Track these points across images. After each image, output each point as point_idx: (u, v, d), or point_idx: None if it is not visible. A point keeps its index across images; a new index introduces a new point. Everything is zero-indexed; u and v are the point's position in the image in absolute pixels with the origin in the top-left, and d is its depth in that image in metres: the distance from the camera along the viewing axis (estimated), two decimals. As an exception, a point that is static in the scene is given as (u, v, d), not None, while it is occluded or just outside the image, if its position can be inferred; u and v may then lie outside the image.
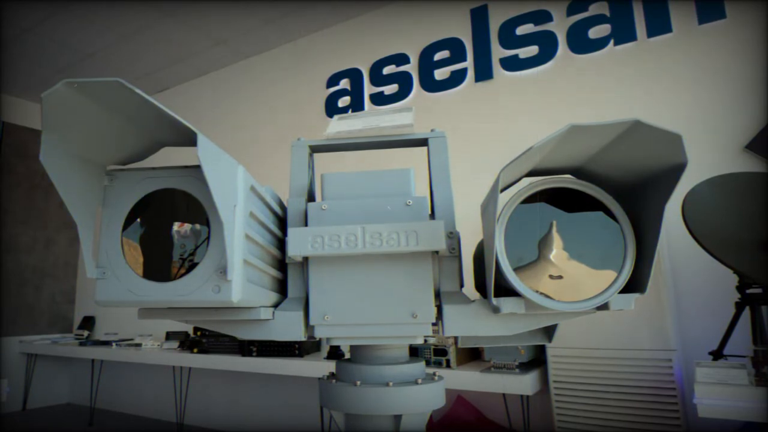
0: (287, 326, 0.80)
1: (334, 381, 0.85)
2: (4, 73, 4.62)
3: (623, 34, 2.85)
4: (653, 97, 2.73)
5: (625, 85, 2.81)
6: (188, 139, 0.64)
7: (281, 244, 0.88)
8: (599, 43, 2.92)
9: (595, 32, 2.95)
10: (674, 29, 2.72)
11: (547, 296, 0.73)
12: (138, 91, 0.60)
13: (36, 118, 5.23)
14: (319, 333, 0.81)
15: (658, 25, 2.75)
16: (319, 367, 2.87)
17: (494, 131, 3.19)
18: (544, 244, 0.75)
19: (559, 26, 3.06)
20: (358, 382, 0.81)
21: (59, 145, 0.66)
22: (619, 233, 0.75)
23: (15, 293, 4.87)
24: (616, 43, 2.87)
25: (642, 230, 0.74)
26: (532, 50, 3.13)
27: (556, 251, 0.75)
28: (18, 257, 4.93)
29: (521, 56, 3.16)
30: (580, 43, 2.97)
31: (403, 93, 3.58)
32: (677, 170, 0.68)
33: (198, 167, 0.67)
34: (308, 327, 0.82)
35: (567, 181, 0.78)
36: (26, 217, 5.04)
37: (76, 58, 4.39)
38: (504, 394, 2.48)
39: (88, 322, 5.01)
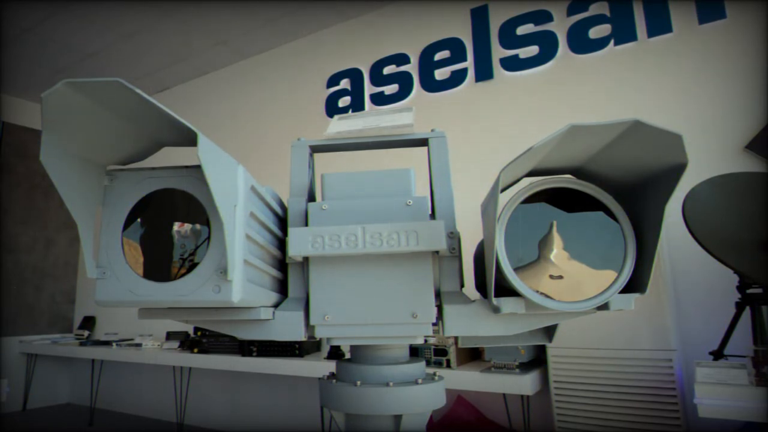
0: (288, 326, 0.80)
1: (334, 381, 0.85)
2: (4, 73, 4.62)
3: (623, 34, 2.85)
4: (653, 97, 2.73)
5: (626, 85, 2.81)
6: (188, 138, 0.64)
7: (281, 244, 0.88)
8: (599, 43, 2.92)
9: (595, 32, 2.95)
10: (674, 29, 2.72)
11: (547, 296, 0.73)
12: (138, 91, 0.60)
13: (36, 118, 5.23)
14: (320, 333, 0.81)
15: (659, 25, 2.75)
16: (319, 367, 2.87)
17: (495, 131, 3.18)
18: (544, 244, 0.75)
19: (560, 26, 3.06)
20: (359, 382, 0.81)
21: (59, 145, 0.66)
22: (619, 233, 0.75)
23: (15, 293, 4.87)
24: (616, 43, 2.87)
25: (642, 230, 0.74)
26: (532, 50, 3.13)
27: (557, 251, 0.75)
28: (18, 257, 4.94)
29: (521, 56, 3.16)
30: (581, 43, 2.97)
31: (403, 93, 3.58)
32: (678, 170, 0.67)
33: (198, 167, 0.67)
34: (309, 327, 0.82)
35: (567, 181, 0.78)
36: (26, 217, 5.04)
37: (76, 58, 4.39)
38: (504, 394, 2.48)
39: (89, 322, 5.01)
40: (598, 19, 2.94)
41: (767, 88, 2.44)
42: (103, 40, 4.14)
